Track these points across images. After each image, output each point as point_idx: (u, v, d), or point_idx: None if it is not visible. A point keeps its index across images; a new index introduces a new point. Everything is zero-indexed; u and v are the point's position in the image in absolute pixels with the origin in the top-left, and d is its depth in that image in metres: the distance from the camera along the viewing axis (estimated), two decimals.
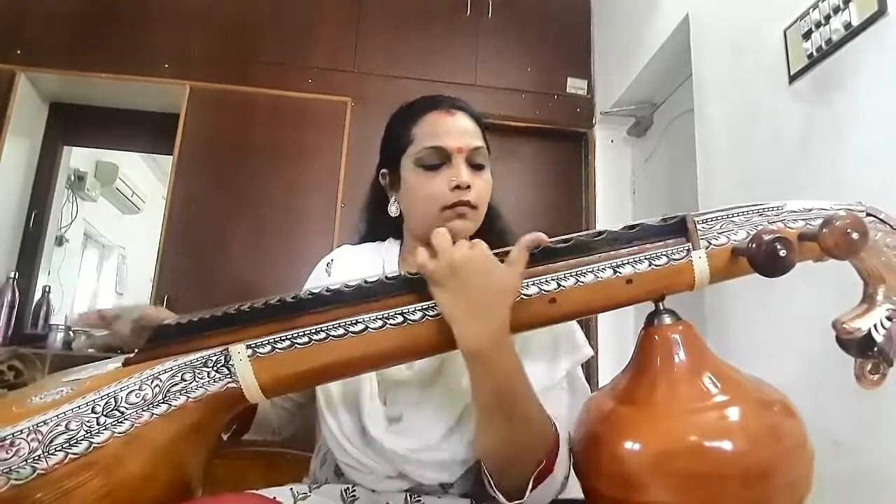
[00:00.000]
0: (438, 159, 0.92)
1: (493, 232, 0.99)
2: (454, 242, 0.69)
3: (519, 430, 0.71)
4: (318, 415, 0.88)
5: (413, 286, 0.71)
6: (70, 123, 2.71)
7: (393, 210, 0.99)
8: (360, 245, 1.07)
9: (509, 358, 0.69)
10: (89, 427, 0.63)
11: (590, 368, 2.47)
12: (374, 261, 1.00)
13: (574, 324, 0.91)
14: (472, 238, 0.72)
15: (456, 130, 0.94)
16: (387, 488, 0.82)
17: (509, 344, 0.69)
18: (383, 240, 1.05)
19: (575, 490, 0.76)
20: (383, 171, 1.02)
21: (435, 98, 0.99)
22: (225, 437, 0.88)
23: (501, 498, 0.73)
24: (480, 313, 0.67)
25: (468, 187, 0.90)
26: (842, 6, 1.30)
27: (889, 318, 0.68)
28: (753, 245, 0.66)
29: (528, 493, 0.72)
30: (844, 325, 0.67)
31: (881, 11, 1.21)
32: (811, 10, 1.39)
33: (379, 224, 1.05)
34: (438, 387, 0.85)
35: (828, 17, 1.34)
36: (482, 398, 0.71)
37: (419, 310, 0.70)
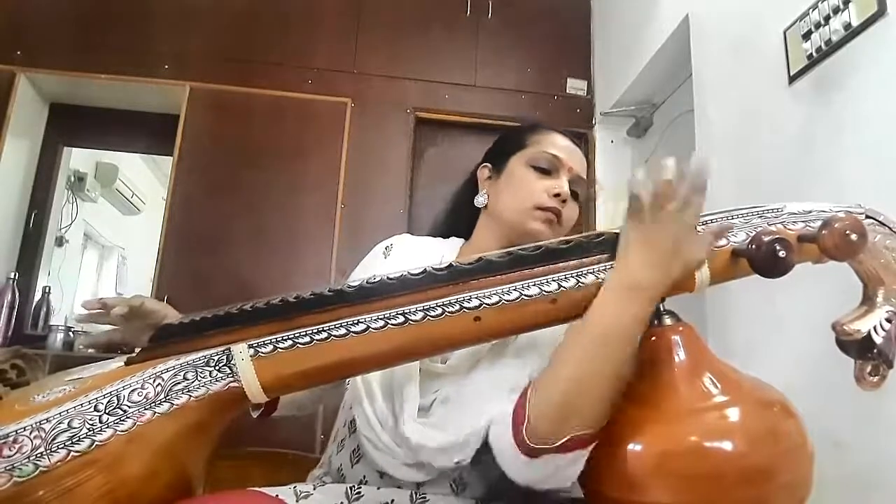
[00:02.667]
0: (549, 166, 1.00)
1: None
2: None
3: (598, 378, 0.69)
4: (351, 398, 0.90)
5: (413, 286, 0.71)
6: (70, 124, 2.71)
7: (480, 201, 1.05)
8: (425, 237, 1.10)
9: (643, 313, 0.70)
10: (92, 425, 0.63)
11: None
12: (436, 255, 1.01)
13: None
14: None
15: (572, 153, 1.03)
16: (404, 476, 0.82)
17: (649, 307, 0.71)
18: (446, 237, 1.09)
19: (575, 490, 0.76)
20: (486, 164, 1.09)
21: (560, 128, 1.08)
22: (255, 416, 0.88)
23: (527, 440, 0.69)
24: (658, 260, 0.69)
25: (565, 201, 0.98)
26: (841, 7, 1.30)
27: (888, 320, 0.68)
28: (753, 246, 0.67)
29: (557, 442, 0.68)
30: (844, 327, 0.68)
31: (881, 12, 1.21)
32: (811, 10, 1.40)
33: (456, 218, 1.10)
34: (469, 387, 0.84)
35: (827, 18, 1.34)
36: (594, 328, 0.69)
37: (420, 310, 0.70)
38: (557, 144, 1.02)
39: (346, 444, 0.92)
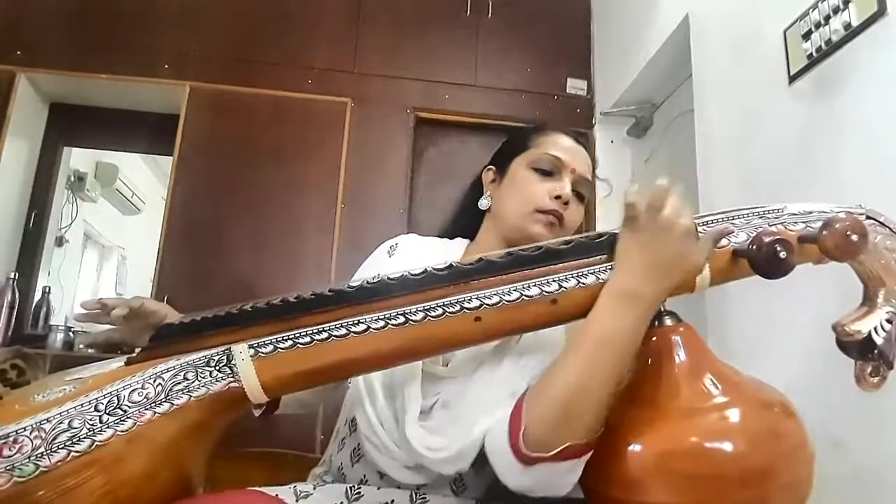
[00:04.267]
0: (551, 167, 0.99)
1: None
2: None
3: (594, 387, 0.69)
4: (353, 399, 0.89)
5: (413, 286, 0.71)
6: (70, 124, 2.70)
7: (483, 203, 1.05)
8: (430, 238, 1.10)
9: (641, 322, 0.70)
10: (92, 425, 0.63)
11: None
12: (440, 255, 0.99)
13: None
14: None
15: (575, 153, 1.02)
16: (403, 479, 0.82)
17: (649, 314, 0.71)
18: (452, 238, 1.09)
19: (575, 490, 0.76)
20: (490, 167, 1.09)
21: (565, 127, 1.08)
22: (258, 415, 0.88)
23: (523, 448, 0.69)
24: (655, 269, 0.70)
25: (566, 203, 0.97)
26: (841, 6, 1.30)
27: (889, 321, 0.68)
28: (754, 247, 0.67)
29: (554, 451, 0.68)
30: (845, 328, 0.68)
31: (881, 12, 1.21)
32: (811, 10, 1.40)
33: (462, 219, 1.10)
34: (471, 389, 0.84)
35: (827, 18, 1.34)
36: (590, 336, 0.70)
37: (421, 310, 0.70)
38: (560, 145, 1.01)
39: (346, 443, 0.92)
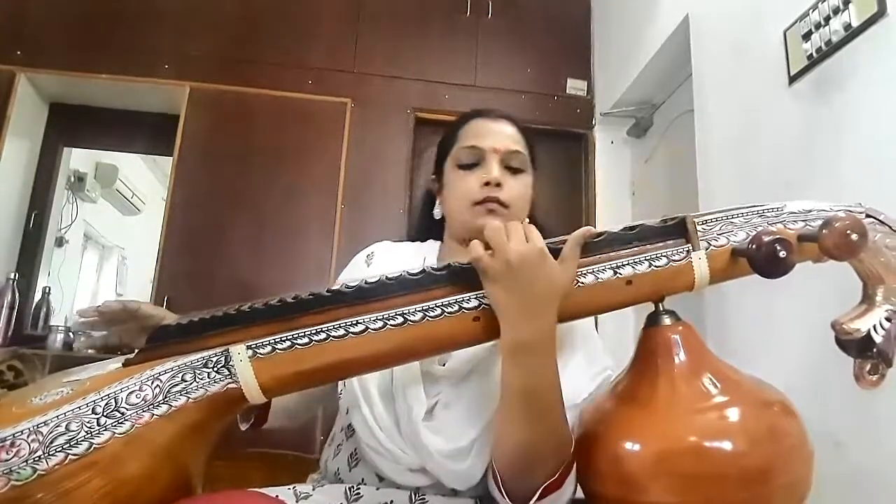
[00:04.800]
0: (474, 158, 0.98)
1: None
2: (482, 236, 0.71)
3: (541, 433, 0.71)
4: (349, 402, 0.89)
5: (413, 287, 0.71)
6: (70, 124, 2.71)
7: (437, 213, 1.05)
8: (402, 243, 1.09)
9: (550, 356, 0.70)
10: (90, 428, 0.63)
11: None
12: (416, 258, 1.01)
13: (599, 343, 0.95)
14: None
15: (495, 133, 1.00)
16: (406, 481, 0.82)
17: (552, 345, 0.70)
18: (423, 241, 1.08)
19: (575, 490, 0.76)
20: (432, 176, 1.09)
21: (484, 109, 1.07)
22: (244, 428, 0.88)
23: (507, 501, 0.72)
24: (531, 310, 0.68)
25: (498, 185, 0.95)
26: (841, 7, 1.30)
27: (888, 319, 0.68)
28: (753, 246, 0.66)
29: (534, 497, 0.71)
30: (844, 326, 0.68)
31: (881, 12, 1.21)
32: (811, 11, 1.39)
33: (423, 226, 1.09)
34: (468, 389, 0.85)
35: (827, 18, 1.34)
36: (512, 393, 0.70)
37: (419, 310, 0.70)
38: (475, 132, 1.01)
39: (343, 448, 0.92)
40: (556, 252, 0.70)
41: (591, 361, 0.89)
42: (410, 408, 0.82)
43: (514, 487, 0.72)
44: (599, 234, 0.73)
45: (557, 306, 0.69)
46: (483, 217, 0.94)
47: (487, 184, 0.95)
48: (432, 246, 1.06)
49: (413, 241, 1.10)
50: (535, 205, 1.04)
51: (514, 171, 0.98)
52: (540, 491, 0.70)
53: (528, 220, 0.99)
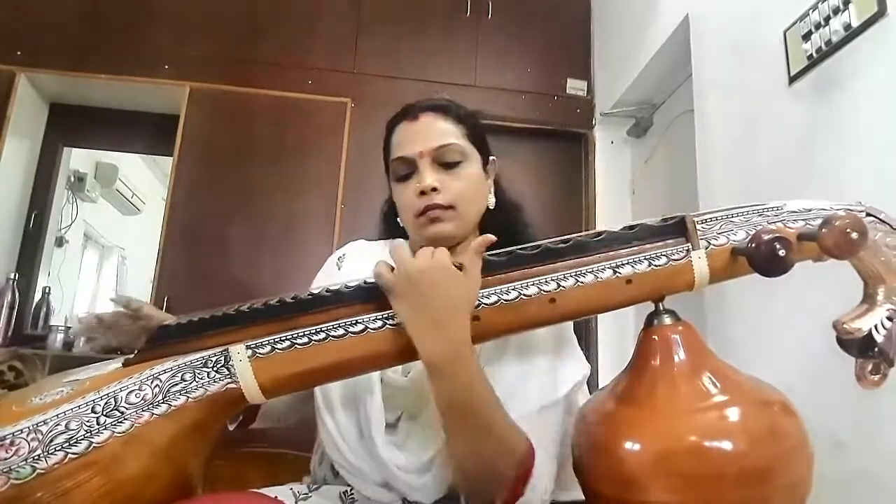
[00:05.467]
0: (406, 169, 0.94)
1: (511, 232, 0.97)
2: (435, 248, 0.71)
3: (481, 441, 0.70)
4: (316, 413, 0.87)
5: None
6: (70, 124, 2.71)
7: (400, 220, 1.01)
8: (375, 241, 1.08)
9: (468, 368, 0.69)
10: (89, 427, 0.63)
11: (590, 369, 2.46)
12: (386, 258, 0.99)
13: (574, 342, 0.91)
14: (497, 237, 0.73)
15: (418, 135, 0.94)
16: (378, 496, 0.81)
17: (469, 354, 0.69)
18: (394, 238, 1.05)
19: (575, 490, 0.76)
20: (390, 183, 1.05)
21: (407, 107, 0.99)
22: (231, 428, 0.88)
23: None
24: (439, 324, 0.67)
25: (434, 190, 0.90)
26: (841, 7, 1.30)
27: (889, 319, 0.68)
28: (753, 245, 0.66)
29: (500, 501, 0.71)
30: (845, 326, 0.67)
31: (881, 12, 1.21)
32: (811, 11, 1.39)
33: (392, 227, 1.06)
34: (432, 402, 0.84)
35: (827, 18, 1.34)
36: (443, 409, 0.70)
37: None
38: (400, 141, 0.96)
39: (325, 456, 0.90)
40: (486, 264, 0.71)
41: (561, 363, 0.86)
42: (369, 420, 0.81)
43: (475, 500, 0.73)
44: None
45: (467, 316, 0.68)
46: (428, 227, 0.91)
47: (423, 193, 0.91)
48: (400, 244, 1.03)
49: (386, 238, 1.07)
50: (501, 185, 1.01)
51: (450, 165, 0.93)
52: (505, 496, 0.71)
53: (493, 201, 0.98)
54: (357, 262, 1.00)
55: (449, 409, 0.69)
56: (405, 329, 0.68)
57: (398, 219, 1.00)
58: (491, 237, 0.71)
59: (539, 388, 0.80)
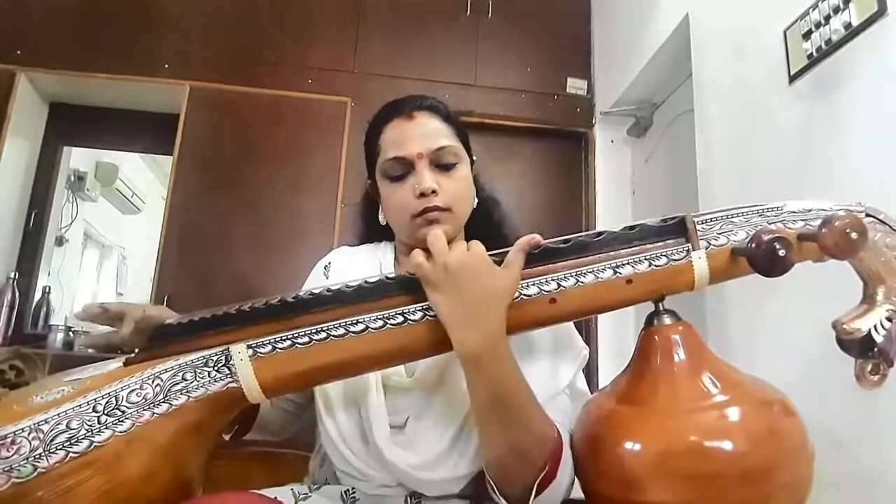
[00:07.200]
0: (402, 169, 0.91)
1: (489, 228, 0.99)
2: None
3: (518, 434, 0.71)
4: (317, 417, 0.87)
5: (413, 286, 0.71)
6: (70, 124, 2.71)
7: (381, 219, 0.99)
8: (359, 247, 1.06)
9: (506, 361, 0.69)
10: (90, 426, 0.63)
11: (590, 369, 2.47)
12: (372, 262, 0.99)
13: (572, 327, 0.91)
14: (468, 238, 0.72)
15: (416, 135, 0.92)
16: (382, 493, 0.81)
17: (506, 347, 0.69)
18: (380, 242, 1.05)
19: (575, 490, 0.76)
20: (369, 181, 1.02)
21: (397, 103, 0.98)
22: (227, 438, 0.88)
23: (504, 501, 0.72)
24: (476, 316, 0.67)
25: (434, 192, 0.89)
26: (842, 6, 1.30)
27: (889, 319, 0.68)
28: (753, 245, 0.66)
29: (531, 499, 0.71)
30: (844, 326, 0.67)
31: (881, 12, 1.21)
32: (811, 10, 1.39)
33: (374, 228, 1.03)
34: (440, 396, 0.84)
35: (828, 18, 1.34)
36: (479, 403, 0.70)
37: (419, 309, 0.70)
38: (395, 140, 0.93)
39: (326, 459, 0.89)
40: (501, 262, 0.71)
41: (562, 362, 0.87)
42: (371, 422, 0.81)
43: (510, 490, 0.72)
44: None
45: (503, 311, 0.68)
46: (425, 228, 0.88)
47: (422, 195, 0.89)
48: (387, 248, 1.02)
49: (371, 242, 1.06)
50: (479, 183, 1.00)
51: (447, 167, 0.92)
52: (535, 488, 0.70)
53: (476, 201, 0.98)
54: (344, 268, 0.99)
55: (488, 399, 0.69)
56: (441, 321, 0.68)
57: (382, 219, 0.98)
58: (539, 237, 0.72)
59: (540, 384, 0.80)
